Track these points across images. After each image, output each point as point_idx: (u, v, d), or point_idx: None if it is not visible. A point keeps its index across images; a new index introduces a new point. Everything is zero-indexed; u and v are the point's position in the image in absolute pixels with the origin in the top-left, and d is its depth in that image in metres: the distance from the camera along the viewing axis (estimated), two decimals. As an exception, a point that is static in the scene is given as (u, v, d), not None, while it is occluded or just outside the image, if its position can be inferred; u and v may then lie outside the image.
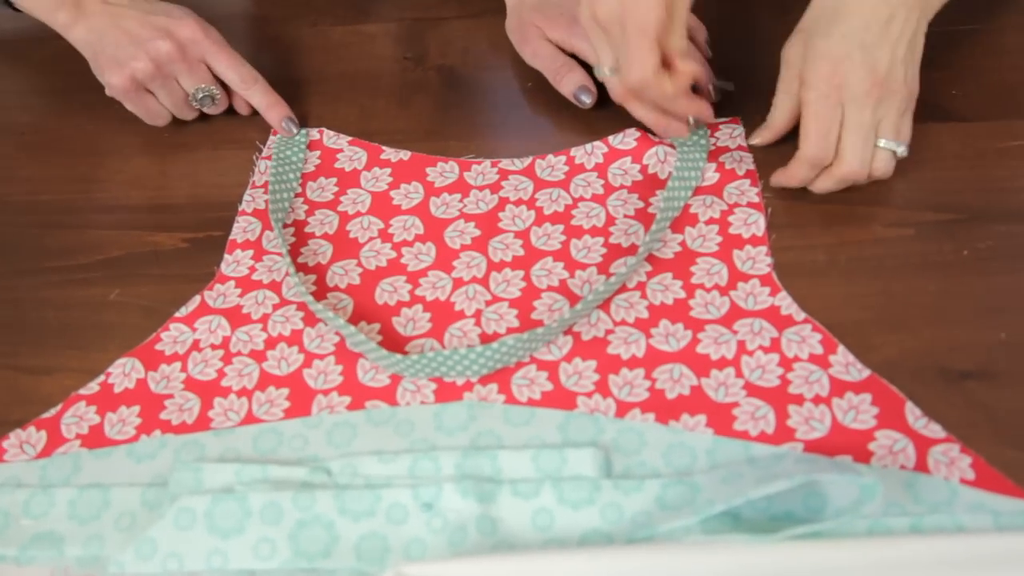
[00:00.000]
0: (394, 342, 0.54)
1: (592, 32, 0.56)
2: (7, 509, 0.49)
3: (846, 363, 0.50)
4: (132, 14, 0.64)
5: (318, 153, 0.66)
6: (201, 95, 0.66)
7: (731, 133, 0.63)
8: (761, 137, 0.60)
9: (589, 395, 0.51)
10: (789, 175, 0.57)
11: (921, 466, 0.46)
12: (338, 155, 0.65)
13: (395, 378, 0.53)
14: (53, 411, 0.53)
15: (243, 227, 0.61)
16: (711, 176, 0.60)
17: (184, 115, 0.67)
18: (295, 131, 0.66)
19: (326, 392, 0.53)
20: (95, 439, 0.52)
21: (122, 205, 0.64)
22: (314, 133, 0.67)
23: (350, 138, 0.66)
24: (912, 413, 0.48)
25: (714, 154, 0.62)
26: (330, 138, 0.66)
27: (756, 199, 0.58)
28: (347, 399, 0.52)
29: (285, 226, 0.61)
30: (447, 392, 0.52)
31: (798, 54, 0.55)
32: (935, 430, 0.47)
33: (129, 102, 0.66)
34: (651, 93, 0.55)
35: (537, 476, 0.47)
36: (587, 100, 0.64)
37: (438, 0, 0.76)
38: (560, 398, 0.51)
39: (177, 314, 0.57)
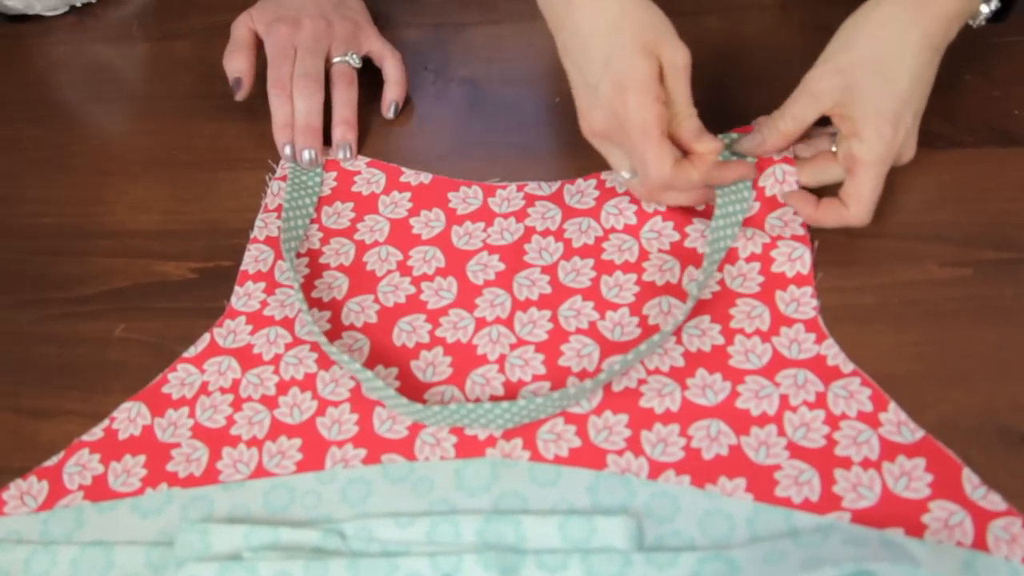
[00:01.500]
0: (413, 388, 0.51)
1: (597, 145, 0.54)
2: (7, 567, 0.47)
3: (898, 422, 0.47)
4: None
5: (335, 175, 0.62)
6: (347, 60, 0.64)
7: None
8: (745, 146, 0.55)
9: (620, 453, 0.48)
10: (817, 219, 0.53)
11: (980, 543, 0.43)
12: (355, 177, 0.62)
13: (413, 430, 0.50)
14: (55, 459, 0.51)
15: (255, 256, 0.58)
16: (752, 204, 0.56)
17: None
18: (311, 163, 0.62)
19: (340, 444, 0.50)
20: (99, 491, 0.49)
21: (128, 230, 0.61)
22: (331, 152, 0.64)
23: (368, 159, 0.63)
24: (970, 481, 0.44)
25: (759, 167, 0.56)
26: (346, 159, 0.63)
27: (801, 231, 0.54)
28: (362, 452, 0.49)
29: (299, 255, 0.58)
30: (468, 447, 0.49)
31: (831, 92, 0.51)
32: (995, 501, 0.44)
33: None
34: (679, 186, 0.52)
35: (564, 547, 0.44)
36: None
37: (459, 4, 0.72)
38: (589, 456, 0.48)
39: (185, 354, 0.54)
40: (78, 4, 0.77)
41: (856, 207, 0.51)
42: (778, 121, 0.53)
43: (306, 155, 0.61)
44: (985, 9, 0.52)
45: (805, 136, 0.55)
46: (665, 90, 0.50)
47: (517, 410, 0.48)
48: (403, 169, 0.62)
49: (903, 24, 0.50)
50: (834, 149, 0.53)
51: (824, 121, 0.53)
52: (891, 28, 0.50)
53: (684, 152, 0.52)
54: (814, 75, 0.52)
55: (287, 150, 0.61)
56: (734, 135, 0.56)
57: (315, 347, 0.53)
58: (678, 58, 0.50)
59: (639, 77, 0.48)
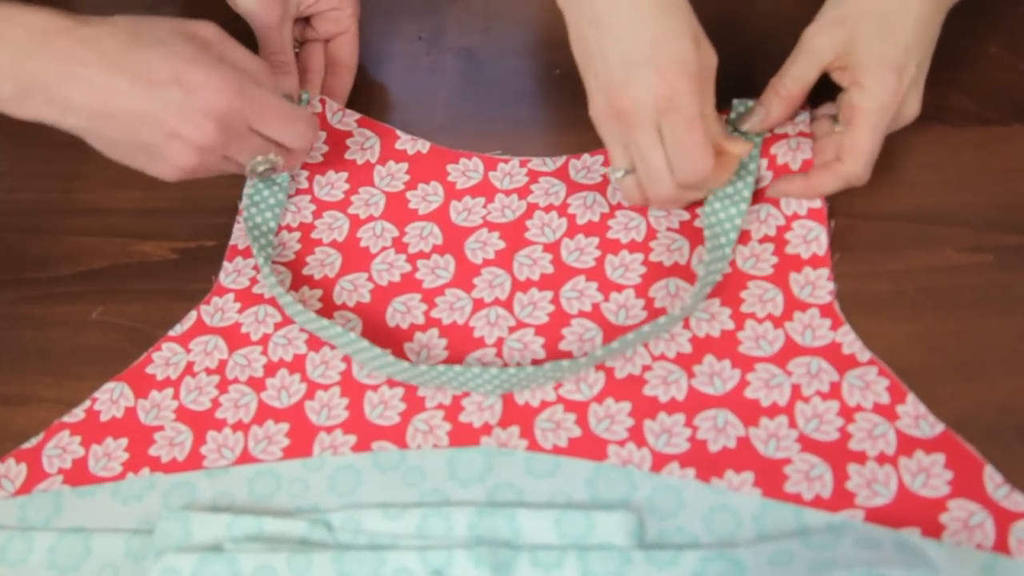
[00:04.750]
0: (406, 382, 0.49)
1: (606, 127, 0.48)
2: (-18, 554, 0.45)
3: (916, 415, 0.44)
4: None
5: (324, 136, 0.58)
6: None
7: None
8: (751, 124, 0.52)
9: (622, 444, 0.45)
10: (812, 187, 0.50)
11: (1001, 546, 0.41)
12: (347, 141, 0.58)
13: (405, 416, 0.48)
14: (34, 441, 0.49)
15: (244, 231, 0.55)
16: (764, 176, 0.53)
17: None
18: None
19: (329, 430, 0.48)
20: (78, 475, 0.48)
21: (107, 208, 0.58)
22: (316, 105, 0.58)
23: (358, 116, 0.59)
24: (992, 480, 0.42)
25: (767, 144, 0.53)
26: (334, 114, 0.58)
27: (818, 204, 0.51)
28: (352, 438, 0.47)
29: (290, 229, 0.55)
30: (463, 434, 0.47)
31: (832, 45, 0.48)
32: (1019, 501, 0.42)
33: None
34: (706, 186, 0.49)
35: (560, 543, 0.42)
36: None
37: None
38: (589, 446, 0.46)
39: (171, 332, 0.52)
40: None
41: (852, 160, 0.48)
42: (778, 87, 0.50)
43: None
44: None
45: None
46: (701, 86, 0.46)
47: (507, 377, 0.46)
48: (398, 133, 0.58)
49: None
50: (838, 129, 0.50)
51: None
52: None
53: None
54: (812, 30, 0.49)
55: None
56: (740, 108, 0.53)
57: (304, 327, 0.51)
58: (712, 58, 0.47)
59: (693, 64, 0.45)
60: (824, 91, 0.51)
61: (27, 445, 0.49)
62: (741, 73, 0.52)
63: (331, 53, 0.59)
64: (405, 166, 0.57)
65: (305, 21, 0.59)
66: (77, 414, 0.49)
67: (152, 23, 0.46)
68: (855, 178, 0.49)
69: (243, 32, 0.55)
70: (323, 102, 0.58)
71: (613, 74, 0.46)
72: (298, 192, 0.57)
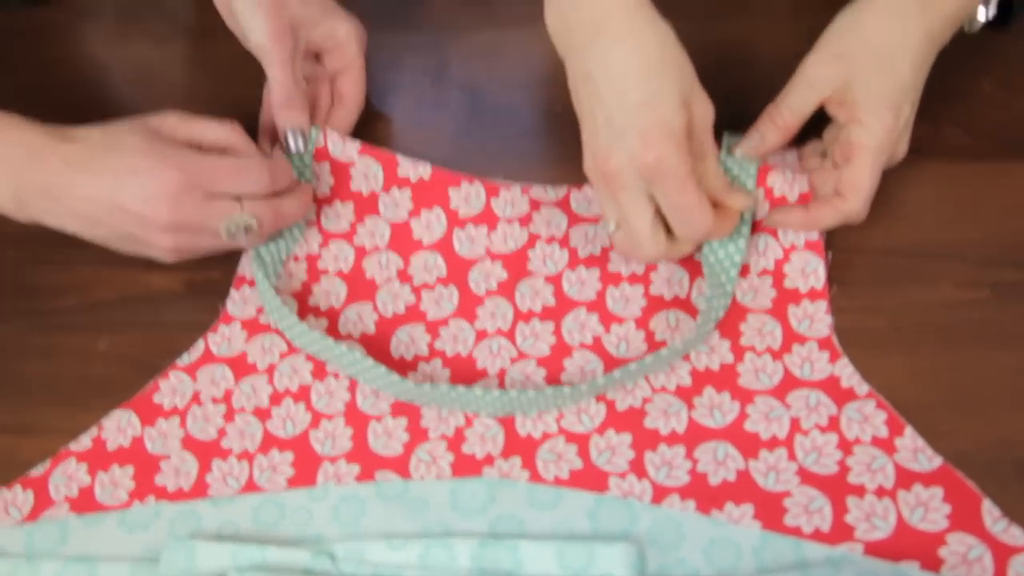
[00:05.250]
0: (409, 403, 0.50)
1: (595, 184, 0.49)
2: (-12, 581, 0.45)
3: (914, 449, 0.45)
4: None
5: (328, 168, 0.58)
6: (234, 228, 0.51)
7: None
8: (745, 149, 0.52)
9: (623, 476, 0.46)
10: (812, 221, 0.51)
11: (999, 580, 0.41)
12: (351, 171, 0.59)
13: (408, 447, 0.48)
14: (41, 468, 0.49)
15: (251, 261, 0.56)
16: (761, 208, 0.53)
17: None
18: (297, 146, 0.57)
19: (333, 459, 0.48)
20: (85, 503, 0.48)
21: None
22: (319, 139, 0.58)
23: (360, 145, 0.59)
24: (990, 514, 0.43)
25: (762, 174, 0.52)
26: (336, 145, 0.58)
27: (816, 237, 0.52)
28: (356, 468, 0.48)
29: (297, 259, 0.56)
30: (465, 465, 0.47)
31: (831, 79, 0.49)
32: (1017, 535, 0.42)
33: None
34: (707, 239, 0.50)
35: (562, 575, 0.42)
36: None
37: (460, 8, 0.70)
38: (590, 478, 0.46)
39: (179, 362, 0.52)
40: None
41: (854, 197, 0.49)
42: (775, 115, 0.51)
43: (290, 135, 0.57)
44: (981, 15, 0.51)
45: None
46: (695, 144, 0.48)
47: (509, 400, 0.46)
48: (399, 159, 0.58)
49: (905, 14, 0.48)
50: (827, 164, 0.52)
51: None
52: (894, 18, 0.48)
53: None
54: (811, 61, 0.50)
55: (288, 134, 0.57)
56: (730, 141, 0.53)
57: (310, 357, 0.52)
58: (708, 113, 0.48)
59: (680, 129, 0.46)
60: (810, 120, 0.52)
61: (34, 472, 0.49)
62: (742, 111, 0.53)
63: (337, 88, 0.60)
64: (408, 192, 0.58)
65: (316, 57, 0.60)
66: (84, 442, 0.50)
67: (119, 126, 0.51)
68: (855, 214, 0.50)
69: (254, 68, 0.57)
70: (325, 135, 0.58)
71: (600, 136, 0.47)
72: (307, 225, 0.57)
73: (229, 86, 0.65)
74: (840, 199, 0.49)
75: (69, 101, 0.67)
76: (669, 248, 0.49)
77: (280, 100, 0.56)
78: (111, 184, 0.49)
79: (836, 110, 0.50)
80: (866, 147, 0.48)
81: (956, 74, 0.59)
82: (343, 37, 0.59)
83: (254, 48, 0.56)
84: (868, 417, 0.46)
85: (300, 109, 0.56)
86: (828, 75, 0.49)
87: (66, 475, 0.49)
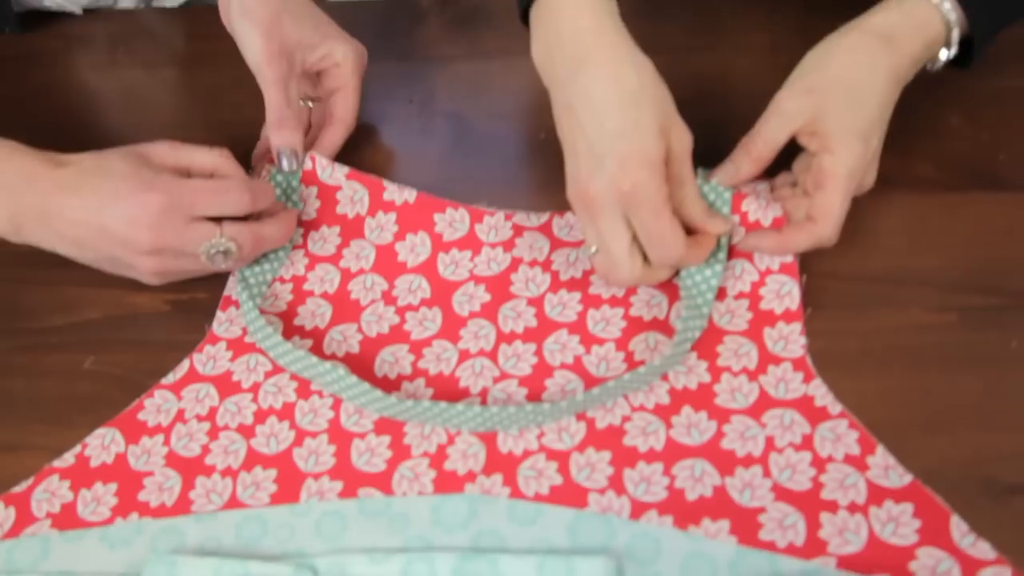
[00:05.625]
0: (392, 420, 0.50)
1: (579, 212, 0.51)
2: (-32, 597, 0.45)
3: (885, 466, 0.46)
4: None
5: (315, 192, 0.60)
6: (214, 251, 0.52)
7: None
8: (720, 178, 0.54)
9: (602, 492, 0.47)
10: (784, 244, 0.52)
11: (968, 592, 0.42)
12: (337, 194, 0.60)
13: (391, 463, 0.49)
14: (24, 485, 0.49)
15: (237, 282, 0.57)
16: (737, 234, 0.55)
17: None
18: (290, 166, 0.58)
19: (316, 476, 0.49)
20: (67, 519, 0.48)
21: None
22: (306, 162, 0.59)
23: (347, 170, 0.60)
24: (958, 529, 0.44)
25: (737, 200, 0.54)
26: (324, 169, 0.59)
27: (790, 260, 0.53)
28: (339, 484, 0.48)
29: (282, 281, 0.57)
30: (447, 482, 0.48)
31: (802, 111, 0.51)
32: (984, 550, 0.43)
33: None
34: (682, 264, 0.52)
35: (542, 588, 0.43)
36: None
37: (446, 38, 0.72)
38: (570, 494, 0.47)
39: (164, 380, 0.53)
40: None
41: (825, 221, 0.50)
42: (749, 146, 0.53)
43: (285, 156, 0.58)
44: (943, 55, 0.53)
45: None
46: (673, 171, 0.49)
47: (490, 415, 0.47)
48: (385, 184, 0.59)
49: (873, 53, 0.51)
50: (798, 192, 0.53)
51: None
52: (861, 55, 0.51)
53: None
54: (784, 95, 0.52)
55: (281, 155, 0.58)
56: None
57: (295, 376, 0.52)
58: (686, 141, 0.50)
59: (656, 157, 0.47)
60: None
61: (16, 489, 0.49)
62: (718, 141, 0.55)
63: (329, 107, 0.62)
64: (394, 216, 0.59)
65: (315, 77, 0.62)
66: (67, 459, 0.50)
67: (111, 152, 0.52)
68: (827, 239, 0.51)
69: (242, 94, 0.58)
70: (313, 159, 0.59)
71: (581, 164, 0.49)
72: (293, 248, 0.58)
73: (217, 112, 0.67)
74: (812, 224, 0.51)
75: (60, 126, 0.68)
76: (645, 272, 0.50)
77: (273, 120, 0.57)
78: (96, 207, 0.50)
79: (808, 140, 0.52)
80: (837, 175, 0.50)
81: (925, 109, 0.61)
82: (339, 58, 0.60)
83: (251, 68, 0.58)
84: (841, 436, 0.47)
85: (292, 129, 0.57)
86: (800, 108, 0.51)
87: (48, 491, 0.49)
